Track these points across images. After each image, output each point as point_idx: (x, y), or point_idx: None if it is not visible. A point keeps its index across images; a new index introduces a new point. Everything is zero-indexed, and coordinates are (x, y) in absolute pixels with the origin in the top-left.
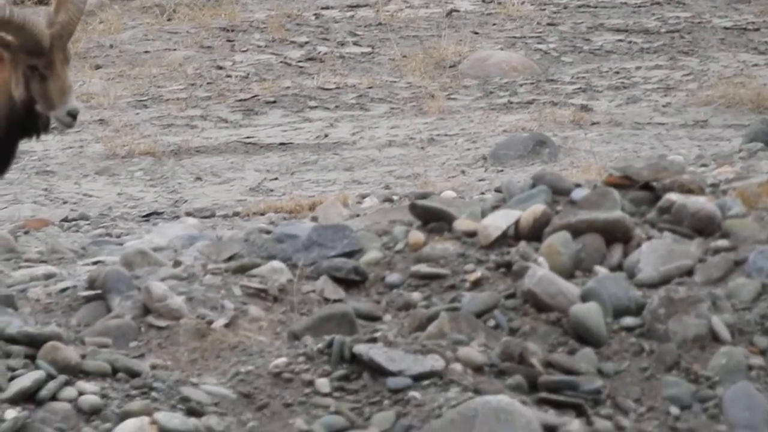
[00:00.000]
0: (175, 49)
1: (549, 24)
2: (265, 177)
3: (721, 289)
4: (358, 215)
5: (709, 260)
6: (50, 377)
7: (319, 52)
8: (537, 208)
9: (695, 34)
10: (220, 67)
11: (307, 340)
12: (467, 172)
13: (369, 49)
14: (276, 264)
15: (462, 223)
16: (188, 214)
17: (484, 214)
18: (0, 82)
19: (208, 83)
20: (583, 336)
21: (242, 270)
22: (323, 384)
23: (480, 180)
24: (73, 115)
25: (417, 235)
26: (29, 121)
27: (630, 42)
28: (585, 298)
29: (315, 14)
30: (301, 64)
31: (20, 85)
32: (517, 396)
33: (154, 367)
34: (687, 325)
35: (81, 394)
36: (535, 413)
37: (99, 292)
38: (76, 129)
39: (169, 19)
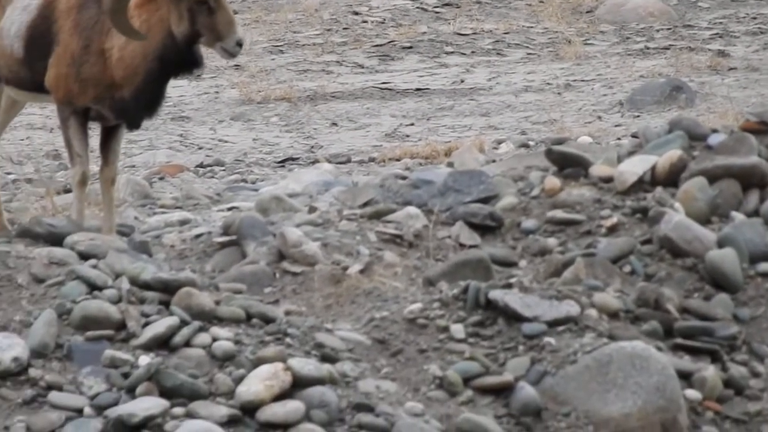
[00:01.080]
0: None
1: None
2: (401, 123)
3: None
4: (494, 161)
5: None
6: (184, 323)
7: None
8: (673, 153)
9: None
10: (356, 13)
11: (443, 285)
12: (603, 118)
13: None
14: (411, 210)
15: (598, 169)
16: (324, 160)
17: (620, 160)
18: (156, 20)
19: (344, 28)
20: (719, 282)
21: (377, 216)
22: (458, 330)
23: (616, 125)
24: (240, 44)
25: (553, 181)
26: (187, 57)
27: None
28: (721, 243)
29: None
30: (437, 9)
31: (184, 20)
32: (652, 342)
33: (288, 313)
34: None
35: (215, 340)
36: (670, 359)
37: (234, 238)
38: (212, 74)
39: None
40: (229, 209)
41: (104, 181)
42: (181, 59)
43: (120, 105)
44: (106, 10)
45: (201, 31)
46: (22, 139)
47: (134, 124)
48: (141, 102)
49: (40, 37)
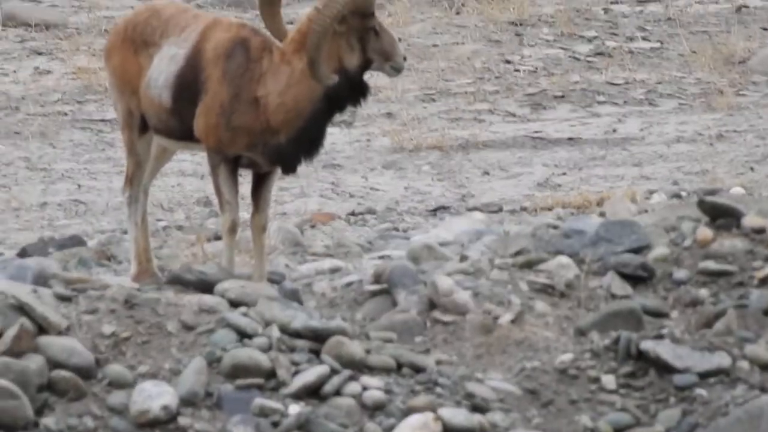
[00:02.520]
0: (463, 43)
1: None
2: (553, 172)
3: None
4: (645, 211)
5: None
6: (334, 372)
7: (608, 47)
8: None
9: None
10: (508, 61)
11: (594, 336)
12: (756, 169)
13: (658, 44)
14: (563, 259)
15: (750, 220)
16: (475, 209)
17: None
18: (325, 58)
19: (495, 77)
20: None
21: (529, 265)
22: (609, 381)
23: None
24: (405, 58)
25: (705, 232)
26: (359, 87)
27: None
28: None
29: (604, 9)
30: (589, 58)
31: (356, 50)
32: None
33: (439, 362)
34: None
35: (365, 389)
36: None
37: (385, 286)
38: (363, 122)
39: (457, 13)
40: (381, 257)
41: (255, 228)
42: (352, 91)
43: (275, 151)
44: (307, 61)
45: (372, 56)
46: (173, 186)
47: (290, 169)
48: (300, 146)
49: (188, 87)
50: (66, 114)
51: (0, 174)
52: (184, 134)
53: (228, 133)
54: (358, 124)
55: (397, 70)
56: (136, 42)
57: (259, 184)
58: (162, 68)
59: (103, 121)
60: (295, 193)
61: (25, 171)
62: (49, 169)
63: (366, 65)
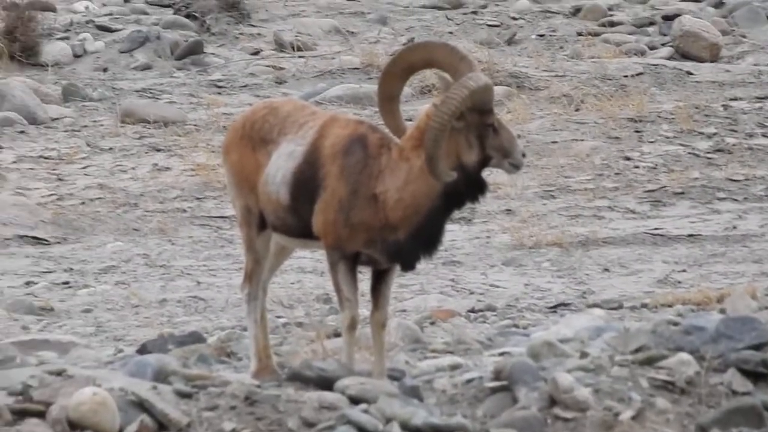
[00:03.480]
0: (582, 140)
1: None
2: (673, 269)
3: None
4: (766, 307)
5: None
6: None
7: (727, 143)
8: None
9: None
10: (628, 158)
11: None
12: None
13: None
14: (684, 356)
15: None
16: (595, 305)
17: None
18: (443, 155)
19: (615, 174)
20: None
21: (649, 362)
22: None
23: None
24: (524, 154)
25: None
26: (477, 184)
27: None
28: None
29: (723, 105)
30: (709, 155)
31: (475, 147)
32: None
33: None
34: None
35: None
36: None
37: (505, 383)
38: (483, 219)
39: (576, 110)
40: (501, 354)
41: (375, 325)
42: (470, 188)
43: (394, 247)
44: (425, 157)
45: (491, 153)
46: (293, 283)
47: (409, 266)
48: (419, 243)
49: (306, 184)
50: (185, 211)
51: (119, 271)
52: (302, 231)
53: (347, 229)
54: (477, 220)
55: (516, 167)
56: (254, 139)
57: (379, 281)
58: (280, 165)
59: (221, 217)
60: (415, 290)
61: (144, 268)
62: (169, 265)
63: (484, 162)
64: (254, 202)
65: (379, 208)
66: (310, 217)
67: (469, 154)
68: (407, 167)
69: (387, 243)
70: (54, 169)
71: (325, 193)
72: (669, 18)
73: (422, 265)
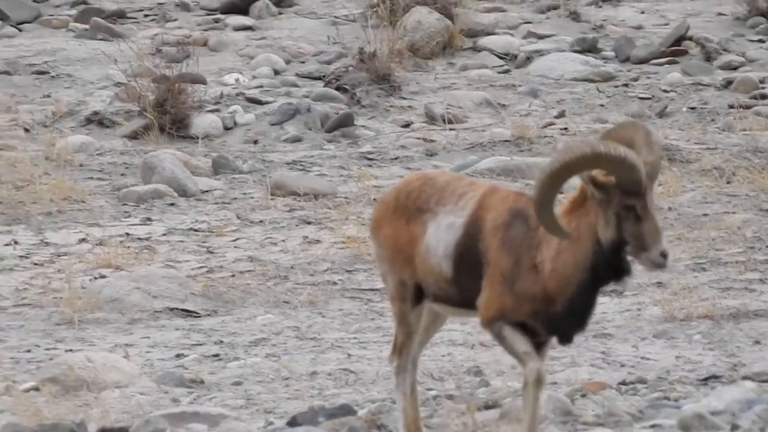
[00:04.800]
0: (733, 212)
1: None
2: None
3: None
4: None
5: None
6: None
7: None
8: None
9: None
10: None
11: None
12: None
13: None
14: None
15: None
16: (746, 378)
17: None
18: (585, 226)
19: (766, 246)
20: None
21: None
22: None
23: None
24: (664, 255)
25: None
26: (614, 265)
27: None
28: None
29: None
30: None
31: (611, 227)
32: None
33: None
34: None
35: None
36: None
37: None
38: (634, 292)
39: (728, 182)
40: (651, 426)
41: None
42: (609, 266)
43: (552, 319)
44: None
45: (626, 238)
46: (443, 356)
47: (567, 339)
48: (574, 315)
49: (468, 256)
50: (335, 283)
51: (270, 343)
52: (464, 302)
53: (511, 300)
54: (628, 293)
55: (653, 264)
56: (409, 210)
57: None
58: (441, 237)
59: (372, 290)
60: (566, 363)
61: (294, 340)
62: (319, 338)
63: (619, 245)
64: (409, 275)
65: (539, 278)
66: (472, 288)
67: (605, 231)
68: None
69: (547, 314)
70: (204, 242)
71: (489, 267)
72: None
73: (579, 337)
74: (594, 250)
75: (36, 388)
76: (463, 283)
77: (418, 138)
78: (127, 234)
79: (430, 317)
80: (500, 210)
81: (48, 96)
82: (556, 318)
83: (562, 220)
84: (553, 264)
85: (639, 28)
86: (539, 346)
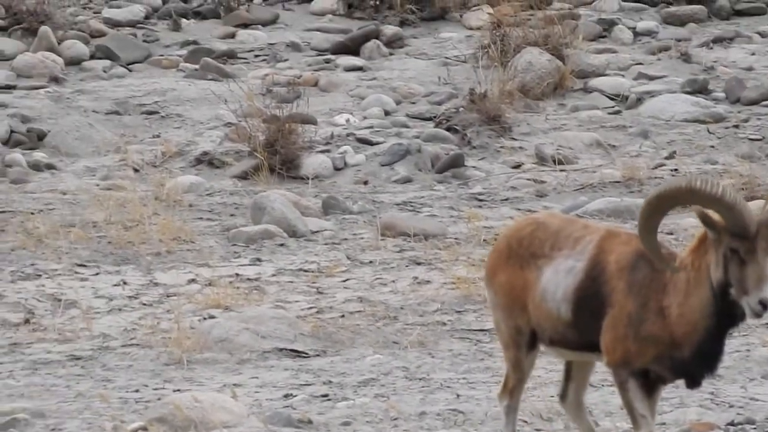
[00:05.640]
0: None
1: None
2: None
3: None
4: None
5: None
6: None
7: None
8: None
9: None
10: None
11: None
12: None
13: None
14: None
15: None
16: None
17: None
18: (704, 266)
19: None
20: None
21: None
22: None
23: None
24: (764, 304)
25: None
26: (723, 306)
27: None
28: None
29: None
30: None
31: (719, 267)
32: None
33: None
34: None
35: None
36: None
37: None
38: (743, 332)
39: None
40: None
41: None
42: (723, 308)
43: (679, 363)
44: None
45: (731, 281)
46: (552, 396)
47: (695, 383)
48: (702, 359)
49: (589, 300)
50: (445, 324)
51: (378, 383)
52: (583, 345)
53: (636, 344)
54: (737, 333)
55: (752, 311)
56: (522, 257)
57: (650, 396)
58: (559, 281)
59: (481, 330)
60: (674, 403)
61: (403, 381)
62: (428, 378)
63: (725, 287)
64: (525, 322)
65: (666, 322)
66: (592, 332)
67: (715, 271)
68: (685, 279)
69: (674, 359)
70: (314, 282)
71: (613, 310)
72: None
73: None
74: (711, 292)
75: (144, 428)
76: (583, 326)
77: (528, 179)
78: (237, 274)
79: (580, 361)
80: (624, 252)
81: (158, 136)
82: (683, 362)
83: (687, 258)
84: (681, 309)
85: (749, 69)
86: (653, 388)
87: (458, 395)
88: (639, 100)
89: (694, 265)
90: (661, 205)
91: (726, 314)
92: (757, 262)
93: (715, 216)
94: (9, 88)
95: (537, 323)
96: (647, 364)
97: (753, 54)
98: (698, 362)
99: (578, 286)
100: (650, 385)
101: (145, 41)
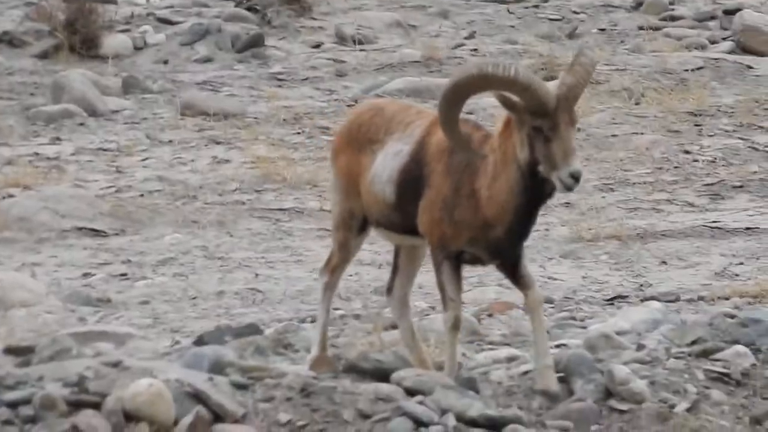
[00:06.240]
0: (642, 133)
1: None
2: (731, 261)
3: None
4: None
5: None
6: None
7: None
8: None
9: None
10: (687, 152)
11: None
12: None
13: None
14: (740, 348)
15: None
16: (652, 298)
17: None
18: (510, 147)
19: (674, 167)
20: None
21: (705, 354)
22: None
23: None
24: (575, 177)
25: None
26: (535, 184)
27: None
28: None
29: None
30: None
31: (525, 147)
32: None
33: None
34: None
35: None
36: None
37: (561, 374)
38: (542, 212)
39: (637, 103)
40: (557, 346)
41: (532, 304)
42: (533, 186)
43: (494, 244)
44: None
45: (539, 158)
46: (350, 275)
47: (511, 261)
48: (514, 237)
49: (411, 182)
50: (244, 203)
51: (177, 263)
52: (407, 228)
53: (451, 228)
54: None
55: (563, 185)
56: (360, 141)
57: (513, 272)
58: (386, 164)
59: (280, 210)
60: (473, 282)
61: (202, 260)
62: (227, 257)
63: (533, 165)
64: (359, 206)
65: (478, 204)
66: (414, 214)
67: (521, 152)
68: (493, 162)
69: (488, 241)
70: (113, 162)
71: (430, 191)
72: (730, 12)
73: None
74: (519, 172)
75: None
76: (406, 209)
77: (329, 59)
78: (36, 153)
79: (408, 252)
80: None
81: None
82: (498, 242)
83: (496, 141)
84: (490, 191)
85: None
86: (512, 272)
87: (257, 274)
88: None
89: (501, 148)
90: (457, 96)
91: (536, 191)
92: (561, 137)
93: (513, 97)
94: None
95: (367, 206)
96: (463, 247)
97: None
98: (512, 241)
99: (402, 168)
100: (461, 267)
101: None
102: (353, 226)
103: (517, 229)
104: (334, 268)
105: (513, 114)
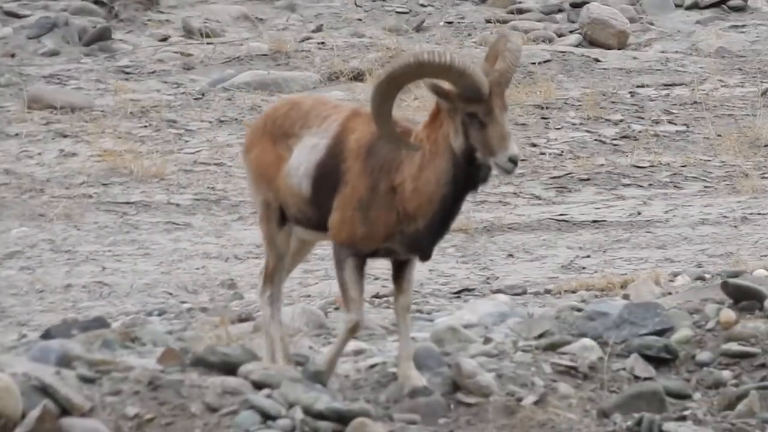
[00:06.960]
0: None
1: None
2: (577, 254)
3: None
4: (669, 293)
5: None
6: None
7: (634, 130)
8: None
9: None
10: (534, 144)
11: (617, 417)
12: None
13: (683, 128)
14: (587, 341)
15: None
16: (499, 291)
17: None
18: (441, 138)
19: (521, 160)
20: None
21: (553, 347)
22: None
23: None
24: (513, 161)
25: (728, 314)
26: (469, 172)
27: None
28: None
29: (630, 92)
30: (615, 141)
31: (459, 134)
32: None
33: None
34: None
35: None
36: None
37: None
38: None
39: None
40: None
41: (400, 309)
42: (468, 174)
43: (414, 238)
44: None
45: (475, 145)
46: (198, 268)
47: (427, 255)
48: (434, 230)
49: (328, 177)
50: (91, 196)
51: (24, 256)
52: (322, 224)
53: (364, 227)
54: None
55: (502, 170)
56: (275, 134)
57: (401, 268)
58: (302, 158)
59: (128, 203)
60: (320, 276)
61: (49, 253)
62: (74, 251)
63: (469, 152)
64: (272, 197)
65: (397, 200)
66: (328, 210)
67: (455, 139)
68: (420, 154)
69: (406, 234)
70: None
71: (345, 188)
72: (577, 5)
73: (326, 250)
74: (452, 161)
75: None
76: (320, 204)
77: (176, 52)
78: None
79: (298, 244)
80: (365, 132)
81: None
82: (418, 236)
83: (422, 133)
84: (415, 183)
85: None
86: (404, 262)
87: (104, 267)
88: None
89: (430, 138)
90: (391, 88)
91: (469, 180)
92: (497, 122)
93: (445, 85)
94: None
95: (284, 200)
96: (378, 245)
97: None
98: (432, 233)
99: (319, 162)
100: (365, 265)
101: None
102: (272, 216)
103: (439, 222)
104: (272, 274)
105: (446, 102)
